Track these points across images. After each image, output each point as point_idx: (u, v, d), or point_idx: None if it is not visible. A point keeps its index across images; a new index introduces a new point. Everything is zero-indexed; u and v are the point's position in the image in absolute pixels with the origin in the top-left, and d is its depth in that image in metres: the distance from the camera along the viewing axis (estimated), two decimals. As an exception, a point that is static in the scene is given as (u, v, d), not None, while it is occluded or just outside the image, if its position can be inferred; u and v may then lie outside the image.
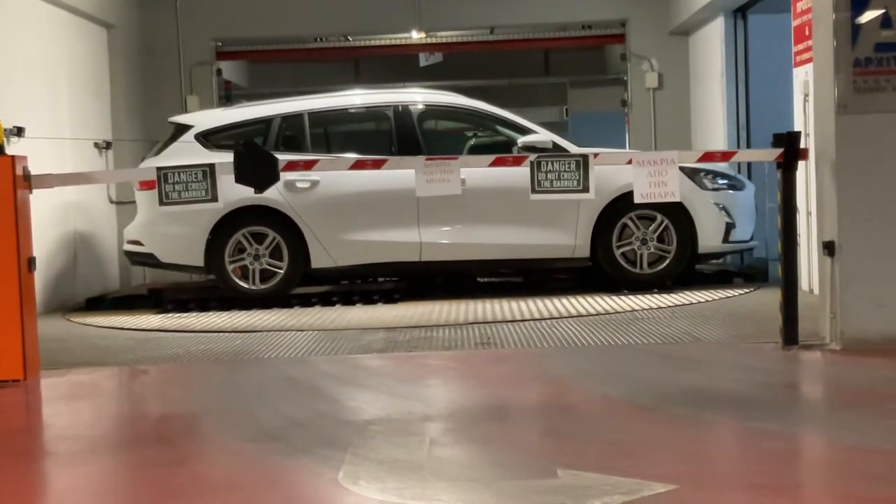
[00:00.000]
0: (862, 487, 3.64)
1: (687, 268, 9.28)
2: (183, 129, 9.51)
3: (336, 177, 9.06)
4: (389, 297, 9.32)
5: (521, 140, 9.20)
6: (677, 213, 9.02)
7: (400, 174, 8.73)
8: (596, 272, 9.36)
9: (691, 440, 4.42)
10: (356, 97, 10.34)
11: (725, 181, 9.43)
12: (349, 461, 4.07)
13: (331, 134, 10.42)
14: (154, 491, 3.98)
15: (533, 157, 6.54)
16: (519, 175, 8.47)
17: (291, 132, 9.52)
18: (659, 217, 9.08)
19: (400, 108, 9.53)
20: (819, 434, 4.55)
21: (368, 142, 10.22)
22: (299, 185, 9.07)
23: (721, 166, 9.71)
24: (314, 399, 5.41)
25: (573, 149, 8.96)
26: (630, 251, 9.16)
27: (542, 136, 9.25)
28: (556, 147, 9.00)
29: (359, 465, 4.04)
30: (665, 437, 4.45)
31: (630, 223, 9.13)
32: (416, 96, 9.87)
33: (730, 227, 9.29)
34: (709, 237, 9.20)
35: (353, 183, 9.05)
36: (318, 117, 9.76)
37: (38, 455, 4.74)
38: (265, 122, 9.50)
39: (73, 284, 10.23)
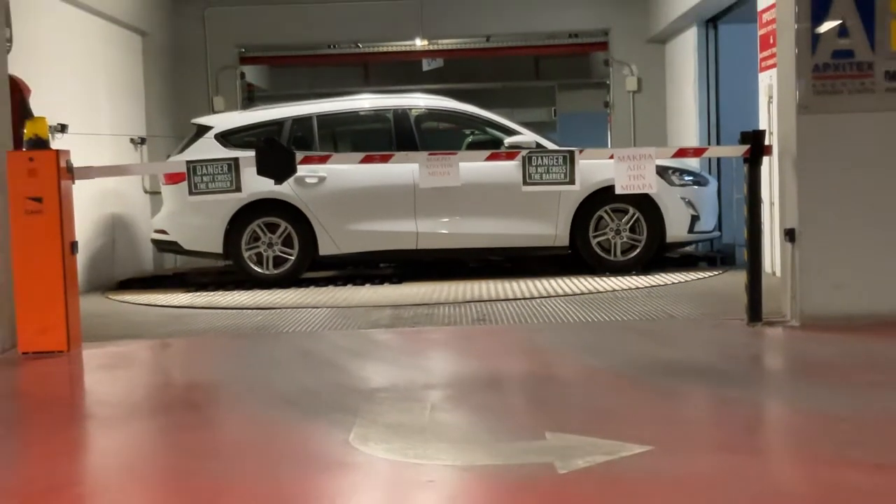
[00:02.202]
0: (819, 449, 3.65)
1: (655, 255, 9.32)
2: (204, 129, 9.54)
3: (342, 173, 9.10)
4: (391, 280, 9.35)
5: (508, 140, 9.24)
6: (647, 207, 9.10)
7: (399, 171, 8.85)
8: (574, 259, 9.39)
9: (666, 406, 4.42)
10: (360, 101, 10.33)
11: (691, 178, 9.46)
12: (359, 424, 4.07)
13: (337, 134, 10.42)
14: (183, 451, 3.99)
15: (525, 152, 6.52)
16: (506, 171, 8.56)
17: (301, 133, 9.53)
18: (631, 210, 9.14)
19: (399, 112, 9.56)
20: (781, 401, 4.55)
21: (371, 141, 10.20)
22: (308, 180, 9.09)
23: (689, 164, 9.74)
24: (328, 369, 5.42)
25: (554, 148, 8.97)
26: (605, 240, 9.23)
27: (527, 136, 9.30)
28: (539, 147, 9.00)
29: (368, 427, 4.04)
30: (642, 404, 4.45)
31: (605, 215, 9.19)
32: (414, 101, 9.88)
33: (695, 219, 9.34)
34: (676, 228, 9.25)
35: (357, 178, 9.10)
36: (326, 119, 9.77)
37: (80, 419, 4.75)
38: (278, 123, 9.51)
39: (111, 266, 10.23)
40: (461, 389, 4.87)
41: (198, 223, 9.26)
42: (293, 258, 9.24)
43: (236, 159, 6.37)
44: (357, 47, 13.44)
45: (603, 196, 8.95)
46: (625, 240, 9.23)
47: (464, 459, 3.61)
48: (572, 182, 6.41)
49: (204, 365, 5.99)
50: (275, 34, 12.72)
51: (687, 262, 9.93)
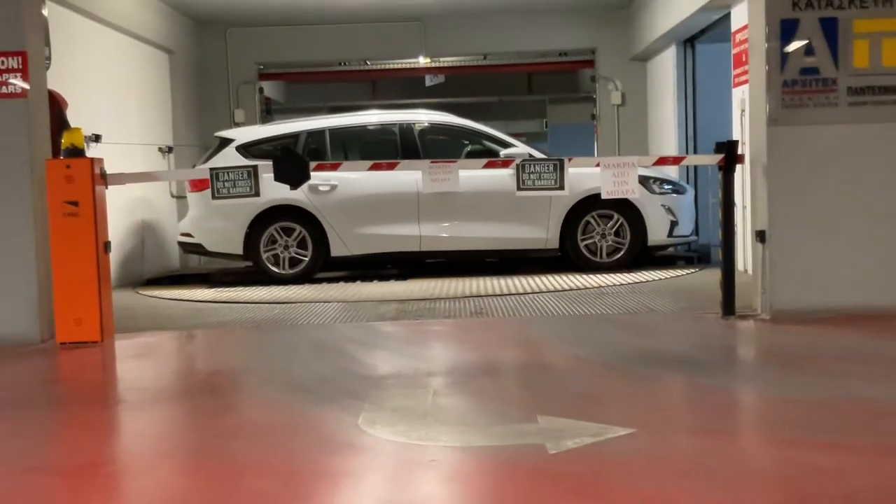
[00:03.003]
0: (786, 432, 3.65)
1: (638, 257, 9.33)
2: (226, 141, 9.55)
3: (352, 182, 9.13)
4: (396, 278, 9.35)
5: (503, 152, 9.25)
6: (631, 213, 9.12)
7: (404, 180, 8.88)
8: (564, 260, 9.40)
9: (647, 392, 4.43)
10: (369, 117, 10.33)
11: (670, 186, 9.47)
12: (367, 409, 4.08)
13: (348, 146, 10.44)
14: (207, 433, 3.99)
15: (518, 160, 6.52)
16: (502, 180, 8.59)
17: (315, 145, 9.54)
18: (616, 215, 9.16)
19: (404, 126, 9.58)
20: (752, 388, 4.56)
21: (379, 153, 10.22)
22: (321, 188, 9.11)
23: (668, 174, 9.76)
24: (339, 358, 5.42)
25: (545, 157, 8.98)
26: (592, 243, 9.23)
27: (521, 149, 9.31)
28: (532, 158, 9.00)
29: (375, 411, 4.04)
30: (626, 390, 4.46)
31: (592, 220, 9.21)
32: (418, 116, 9.88)
33: (674, 224, 9.36)
34: (656, 232, 9.27)
35: (366, 186, 9.13)
36: (338, 133, 9.78)
37: (113, 403, 4.76)
38: (294, 136, 9.52)
39: (141, 265, 10.24)
40: (460, 377, 4.87)
41: (220, 227, 9.27)
42: (307, 259, 9.25)
43: (255, 166, 6.37)
44: (365, 64, 13.45)
45: (590, 203, 8.99)
46: (610, 243, 9.24)
47: (463, 441, 3.61)
48: (562, 188, 6.41)
49: (226, 354, 6.00)
50: (291, 52, 12.73)
51: (666, 261, 9.93)
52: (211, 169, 6.42)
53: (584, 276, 8.81)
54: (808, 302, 6.05)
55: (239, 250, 9.31)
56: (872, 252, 6.08)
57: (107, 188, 6.24)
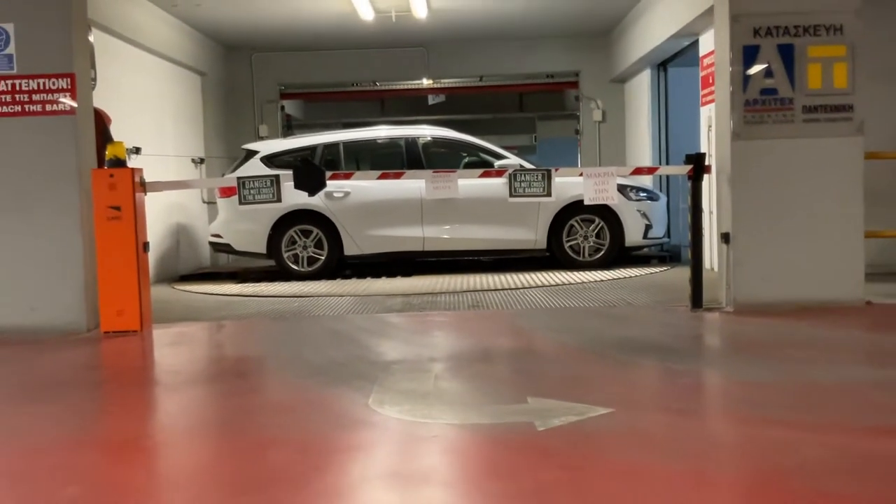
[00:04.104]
0: (749, 411, 3.65)
1: (616, 256, 9.33)
2: (252, 153, 9.56)
3: (363, 189, 9.14)
4: (402, 274, 9.34)
5: (497, 163, 9.27)
6: (610, 217, 9.13)
7: (409, 188, 8.89)
8: (550, 259, 9.41)
9: (625, 376, 4.43)
10: (378, 131, 10.33)
11: (645, 194, 9.48)
12: (376, 390, 4.08)
13: (360, 158, 10.45)
14: (234, 412, 3.99)
15: (511, 170, 6.52)
16: (496, 189, 8.60)
17: (331, 156, 9.56)
18: (597, 219, 9.18)
19: (410, 140, 9.59)
20: (718, 372, 4.56)
21: (387, 164, 10.21)
22: (336, 194, 9.13)
23: (643, 183, 9.76)
24: (351, 346, 5.42)
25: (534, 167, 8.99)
26: (576, 244, 9.23)
27: (513, 160, 9.34)
28: (522, 168, 9.01)
29: (384, 393, 4.04)
30: (606, 374, 4.46)
31: (576, 224, 9.22)
32: (421, 131, 9.89)
33: (648, 227, 9.37)
34: (633, 235, 9.28)
35: (375, 193, 9.14)
36: (351, 146, 9.79)
37: (150, 385, 4.76)
38: (311, 148, 9.55)
39: (176, 263, 10.24)
40: (459, 362, 4.87)
41: (246, 229, 9.29)
42: (323, 258, 9.26)
43: (277, 176, 6.37)
44: (375, 85, 13.46)
45: (574, 208, 9.01)
46: (591, 244, 9.26)
47: (461, 419, 3.61)
48: (549, 195, 6.41)
49: (251, 342, 6.00)
50: (309, 74, 12.75)
51: (642, 260, 9.93)
52: (238, 177, 6.43)
53: (569, 273, 8.81)
54: (768, 296, 6.05)
55: (263, 250, 9.33)
56: (825, 251, 6.08)
57: (146, 195, 6.25)
